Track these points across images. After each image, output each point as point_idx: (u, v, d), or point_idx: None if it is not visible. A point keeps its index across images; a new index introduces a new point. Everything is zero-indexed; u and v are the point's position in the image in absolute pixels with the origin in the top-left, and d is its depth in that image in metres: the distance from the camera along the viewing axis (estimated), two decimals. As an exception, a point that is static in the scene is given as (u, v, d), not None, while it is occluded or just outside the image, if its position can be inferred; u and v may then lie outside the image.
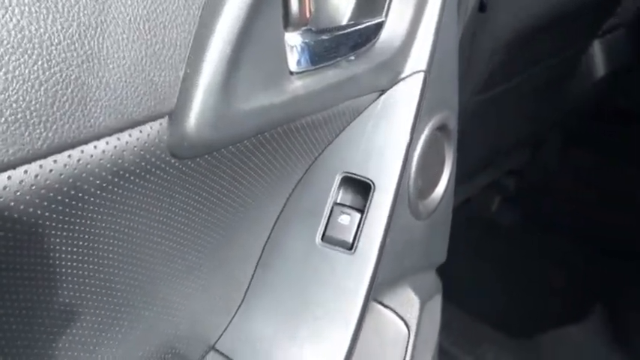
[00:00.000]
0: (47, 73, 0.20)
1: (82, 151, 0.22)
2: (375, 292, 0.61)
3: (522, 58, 1.07)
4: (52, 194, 0.22)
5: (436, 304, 0.72)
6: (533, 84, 1.20)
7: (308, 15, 0.33)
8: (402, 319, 0.64)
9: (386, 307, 0.64)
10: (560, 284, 1.23)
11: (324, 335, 0.43)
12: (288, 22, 0.32)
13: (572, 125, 1.61)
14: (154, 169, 0.26)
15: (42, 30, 0.20)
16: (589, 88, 1.41)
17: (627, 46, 1.43)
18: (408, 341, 0.65)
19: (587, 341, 0.99)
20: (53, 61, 0.21)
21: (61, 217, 0.23)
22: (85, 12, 0.21)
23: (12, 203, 0.20)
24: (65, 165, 0.22)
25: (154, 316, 0.34)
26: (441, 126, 0.53)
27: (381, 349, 0.65)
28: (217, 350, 0.41)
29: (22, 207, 0.21)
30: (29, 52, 0.20)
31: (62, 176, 0.22)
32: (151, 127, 0.25)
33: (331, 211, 0.42)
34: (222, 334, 0.41)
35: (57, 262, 0.25)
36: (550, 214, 1.53)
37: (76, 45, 0.21)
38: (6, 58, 0.19)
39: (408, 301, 0.64)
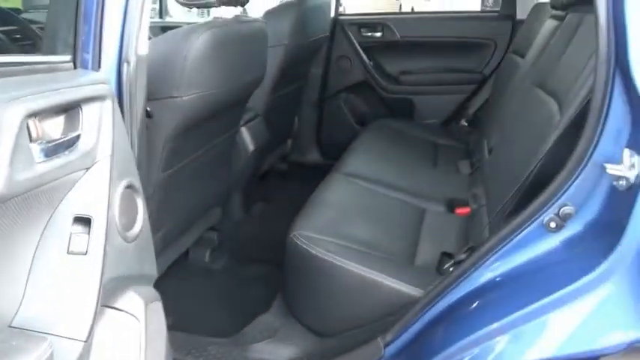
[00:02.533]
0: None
1: None
2: (108, 300, 0.92)
3: (192, 142, 1.54)
4: None
5: (158, 305, 1.07)
6: (207, 158, 1.69)
7: (40, 135, 0.69)
8: (132, 315, 0.97)
9: (119, 310, 0.96)
10: (252, 294, 1.73)
11: (73, 312, 0.74)
12: (31, 139, 0.68)
13: (246, 185, 2.21)
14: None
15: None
16: (247, 158, 2.02)
17: (264, 129, 2.12)
18: (140, 329, 0.98)
19: (269, 318, 1.49)
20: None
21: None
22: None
23: None
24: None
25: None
26: (129, 186, 0.92)
27: (117, 342, 0.94)
28: (12, 326, 0.67)
29: None
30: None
31: None
32: None
33: (71, 236, 0.76)
34: (14, 317, 0.68)
35: None
36: (245, 252, 2.05)
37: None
38: None
39: (134, 302, 0.97)
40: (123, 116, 1.05)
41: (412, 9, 3.06)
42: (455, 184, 1.90)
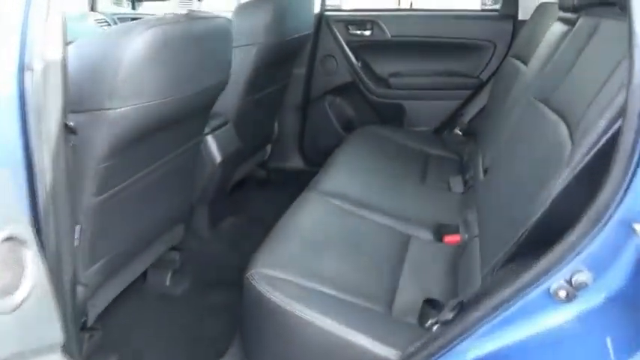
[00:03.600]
0: None
1: None
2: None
3: (139, 158, 1.32)
4: None
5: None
6: (161, 174, 1.47)
7: None
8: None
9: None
10: (212, 327, 1.53)
11: None
12: None
13: (214, 199, 1.99)
14: None
15: None
16: (214, 170, 1.80)
17: (234, 137, 1.90)
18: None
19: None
20: None
21: None
22: None
23: None
24: None
25: None
26: (9, 237, 0.70)
27: None
28: None
29: None
30: None
31: None
32: None
33: None
34: None
35: None
36: (210, 275, 1.84)
37: None
38: None
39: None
40: (29, 135, 0.85)
41: (411, 5, 2.83)
42: (445, 206, 1.69)
